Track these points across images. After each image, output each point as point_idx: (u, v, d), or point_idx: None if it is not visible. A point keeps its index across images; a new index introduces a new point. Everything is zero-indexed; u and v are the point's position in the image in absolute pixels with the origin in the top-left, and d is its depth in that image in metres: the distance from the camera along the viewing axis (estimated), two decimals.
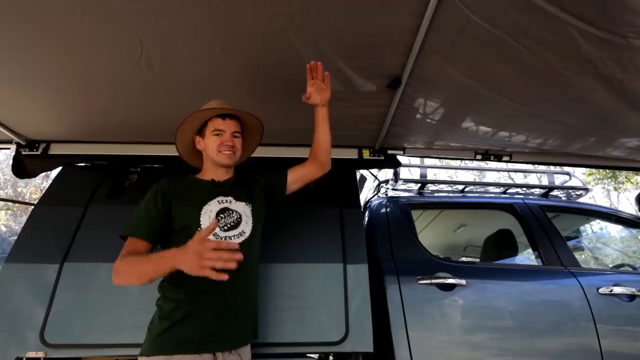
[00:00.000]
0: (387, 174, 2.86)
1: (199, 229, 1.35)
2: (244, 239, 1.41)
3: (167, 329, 1.27)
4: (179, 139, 1.57)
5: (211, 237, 1.33)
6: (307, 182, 1.67)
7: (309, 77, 1.51)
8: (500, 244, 2.63)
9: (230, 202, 1.47)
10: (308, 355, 1.78)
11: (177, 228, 1.39)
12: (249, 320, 1.43)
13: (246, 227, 1.44)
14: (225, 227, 1.40)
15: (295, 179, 1.64)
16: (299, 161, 2.29)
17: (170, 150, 2.16)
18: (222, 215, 1.42)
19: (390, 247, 2.14)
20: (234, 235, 1.40)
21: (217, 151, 1.48)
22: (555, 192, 2.93)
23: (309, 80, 1.52)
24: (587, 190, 2.98)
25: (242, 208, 1.47)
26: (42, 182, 9.99)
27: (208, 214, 1.40)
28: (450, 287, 1.95)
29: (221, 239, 1.37)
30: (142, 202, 1.43)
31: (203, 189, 1.48)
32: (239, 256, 1.07)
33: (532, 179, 9.23)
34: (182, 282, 1.32)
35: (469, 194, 2.91)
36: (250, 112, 1.57)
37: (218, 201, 1.44)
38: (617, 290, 1.99)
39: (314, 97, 1.54)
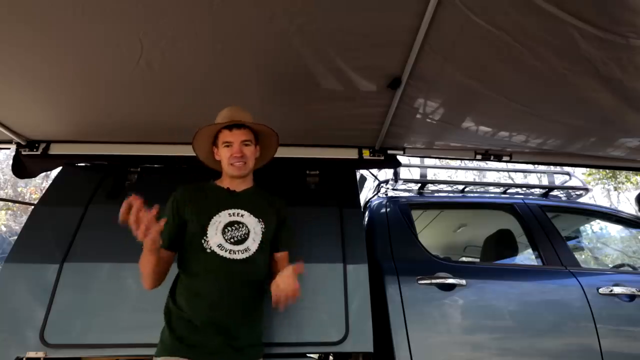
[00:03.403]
0: (387, 174, 2.86)
1: (205, 237, 1.39)
2: (247, 256, 1.42)
3: (170, 333, 1.34)
4: (198, 151, 1.61)
5: (216, 248, 1.38)
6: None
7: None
8: (500, 244, 2.63)
9: (242, 215, 1.47)
10: (308, 355, 1.77)
11: (188, 235, 1.44)
12: (253, 335, 1.46)
13: (252, 244, 1.44)
14: (232, 241, 1.41)
15: (276, 257, 1.57)
16: (301, 161, 2.29)
17: (170, 150, 2.17)
18: (229, 228, 1.43)
19: (390, 247, 2.13)
20: (238, 251, 1.40)
21: (228, 163, 1.49)
22: (555, 192, 2.93)
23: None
24: (587, 190, 2.98)
25: (254, 224, 1.47)
26: (42, 182, 9.99)
27: (216, 225, 1.41)
28: (450, 287, 1.95)
29: (227, 251, 1.38)
30: (164, 210, 1.46)
31: (218, 198, 1.49)
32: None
33: (532, 179, 9.22)
34: (185, 292, 1.40)
35: (469, 194, 2.90)
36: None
37: (229, 213, 1.45)
38: (617, 290, 1.98)
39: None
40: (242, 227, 1.44)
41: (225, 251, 1.38)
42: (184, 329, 1.34)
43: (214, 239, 1.39)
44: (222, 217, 1.44)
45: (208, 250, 1.38)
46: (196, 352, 1.30)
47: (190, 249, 1.42)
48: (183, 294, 1.40)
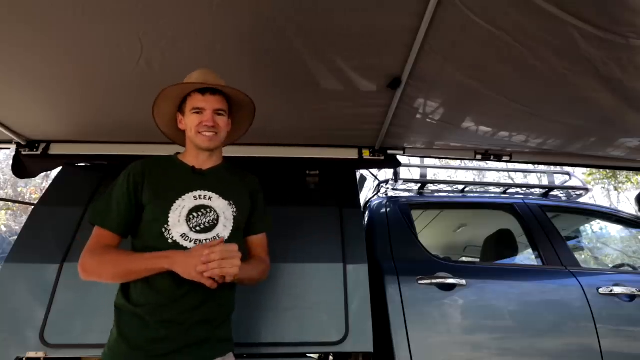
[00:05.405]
0: (387, 174, 2.86)
1: (166, 226, 1.20)
2: None
3: (119, 336, 1.20)
4: (157, 116, 1.40)
5: (179, 238, 1.20)
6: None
7: None
8: (500, 244, 2.63)
9: (210, 199, 1.27)
10: (308, 355, 1.77)
11: (145, 219, 1.24)
12: (223, 332, 1.27)
13: (224, 231, 1.26)
14: (198, 229, 1.22)
15: (250, 242, 1.43)
16: (301, 161, 2.28)
17: (170, 151, 2.16)
18: (194, 214, 1.23)
19: (390, 247, 2.13)
20: (205, 240, 1.22)
21: (195, 132, 1.28)
22: (555, 192, 2.93)
23: None
24: (587, 190, 2.98)
25: (224, 208, 1.28)
26: (42, 182, 10.00)
27: (179, 211, 1.22)
28: (450, 287, 1.95)
29: (192, 241, 1.20)
30: (115, 187, 1.28)
31: (181, 177, 1.30)
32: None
33: (532, 179, 9.23)
34: (141, 285, 1.20)
35: (469, 194, 2.91)
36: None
37: (194, 196, 1.25)
38: (617, 290, 1.99)
39: None
40: (210, 212, 1.25)
41: (190, 241, 1.19)
42: (137, 330, 1.16)
43: (177, 227, 1.20)
44: (187, 201, 1.23)
45: (169, 241, 1.18)
46: (151, 355, 1.14)
47: (148, 238, 1.21)
48: (138, 287, 1.19)
